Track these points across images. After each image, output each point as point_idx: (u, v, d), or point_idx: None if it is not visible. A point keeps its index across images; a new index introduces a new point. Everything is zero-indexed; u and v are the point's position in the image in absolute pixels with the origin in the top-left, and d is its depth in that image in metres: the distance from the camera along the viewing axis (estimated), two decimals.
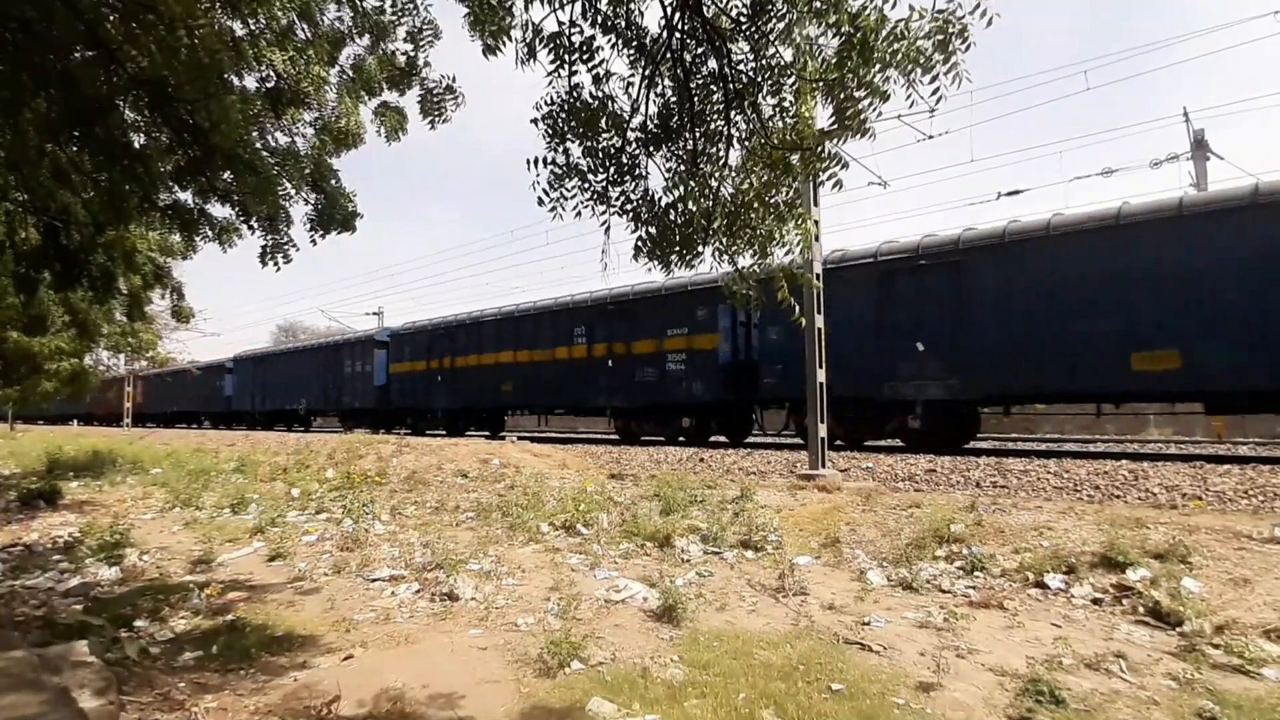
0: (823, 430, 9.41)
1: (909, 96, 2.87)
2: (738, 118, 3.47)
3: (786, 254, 3.66)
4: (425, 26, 4.64)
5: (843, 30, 2.86)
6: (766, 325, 13.82)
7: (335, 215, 5.72)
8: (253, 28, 4.77)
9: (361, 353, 25.17)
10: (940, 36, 2.70)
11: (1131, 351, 9.59)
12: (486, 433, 20.82)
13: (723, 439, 15.75)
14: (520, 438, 16.37)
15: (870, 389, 11.95)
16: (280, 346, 33.97)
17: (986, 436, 17.96)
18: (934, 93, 2.81)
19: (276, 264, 5.75)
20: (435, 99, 4.55)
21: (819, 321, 9.45)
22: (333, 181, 5.75)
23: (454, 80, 4.60)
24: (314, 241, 5.82)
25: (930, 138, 13.03)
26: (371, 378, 24.33)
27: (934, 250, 11.44)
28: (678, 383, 15.09)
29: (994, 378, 10.71)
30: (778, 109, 3.36)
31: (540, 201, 3.57)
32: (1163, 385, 9.62)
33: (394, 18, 4.85)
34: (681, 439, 15.51)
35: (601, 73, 3.44)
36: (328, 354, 27.31)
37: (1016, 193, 18.86)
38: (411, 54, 4.71)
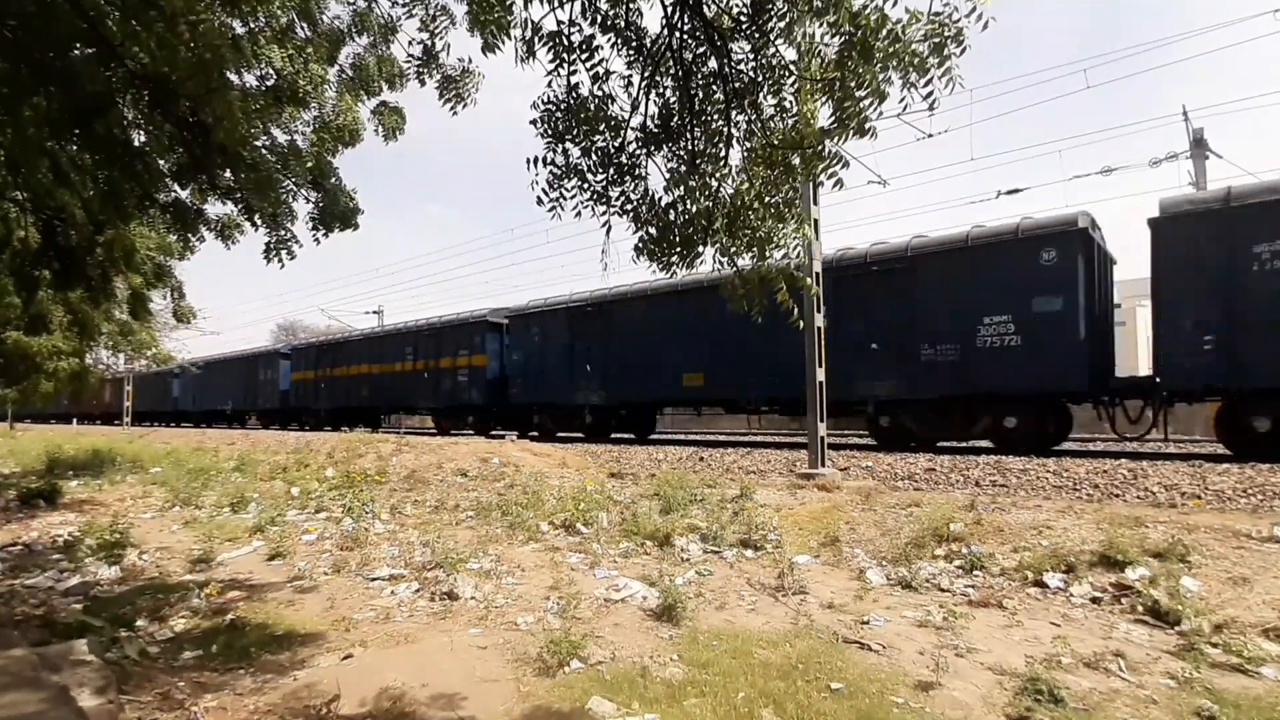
0: (822, 429, 9.42)
1: (903, 99, 2.88)
2: (738, 117, 3.47)
3: (783, 256, 3.66)
4: (439, 13, 4.63)
5: (843, 30, 2.86)
6: (514, 348, 19.53)
7: (336, 212, 5.72)
8: (252, 26, 4.76)
9: (270, 364, 29.55)
10: (936, 40, 2.71)
11: (683, 374, 15.03)
12: (369, 427, 22.95)
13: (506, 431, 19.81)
14: (385, 431, 21.63)
15: (566, 397, 17.81)
16: (213, 356, 33.72)
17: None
18: (928, 95, 2.81)
19: (281, 260, 5.75)
20: (455, 84, 4.52)
21: (819, 321, 9.46)
22: (333, 179, 5.75)
23: (470, 61, 4.57)
24: (316, 240, 5.82)
25: (930, 136, 13.04)
26: (278, 384, 28.87)
27: (593, 303, 17.56)
28: (465, 390, 20.60)
29: (621, 390, 16.64)
30: (778, 108, 3.36)
31: (539, 201, 3.57)
32: (697, 395, 15.36)
33: (405, 9, 4.83)
34: (469, 431, 20.94)
35: (601, 72, 3.43)
36: (246, 363, 31.52)
37: (1016, 191, 18.79)
38: (428, 42, 4.69)
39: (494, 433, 19.41)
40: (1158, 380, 9.93)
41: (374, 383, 24.98)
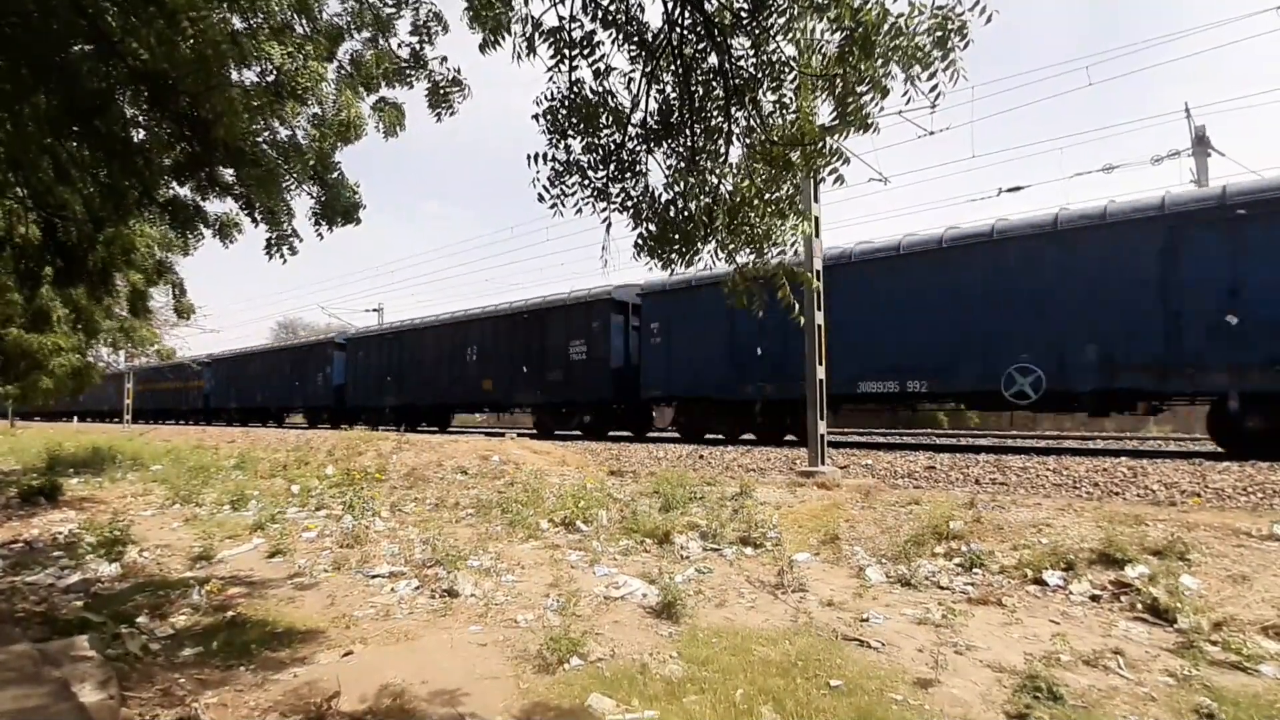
0: (822, 427, 9.42)
1: (906, 94, 2.87)
2: (738, 113, 3.47)
3: (780, 253, 3.65)
4: (430, 19, 4.63)
5: (844, 25, 2.85)
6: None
7: (338, 206, 5.71)
8: (251, 22, 4.75)
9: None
10: (940, 33, 2.70)
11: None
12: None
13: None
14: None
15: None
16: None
17: (986, 433, 18.02)
18: (932, 89, 2.81)
19: (283, 256, 5.75)
20: (442, 92, 4.53)
21: (818, 319, 9.46)
22: (334, 174, 5.75)
23: (460, 72, 4.57)
24: (319, 235, 5.82)
25: (931, 133, 12.98)
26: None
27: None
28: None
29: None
30: (778, 105, 3.35)
31: (540, 198, 3.57)
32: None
33: (395, 10, 4.83)
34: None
35: (602, 68, 3.43)
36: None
37: (1018, 189, 18.80)
38: (417, 47, 4.69)
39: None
40: None
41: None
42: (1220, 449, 9.87)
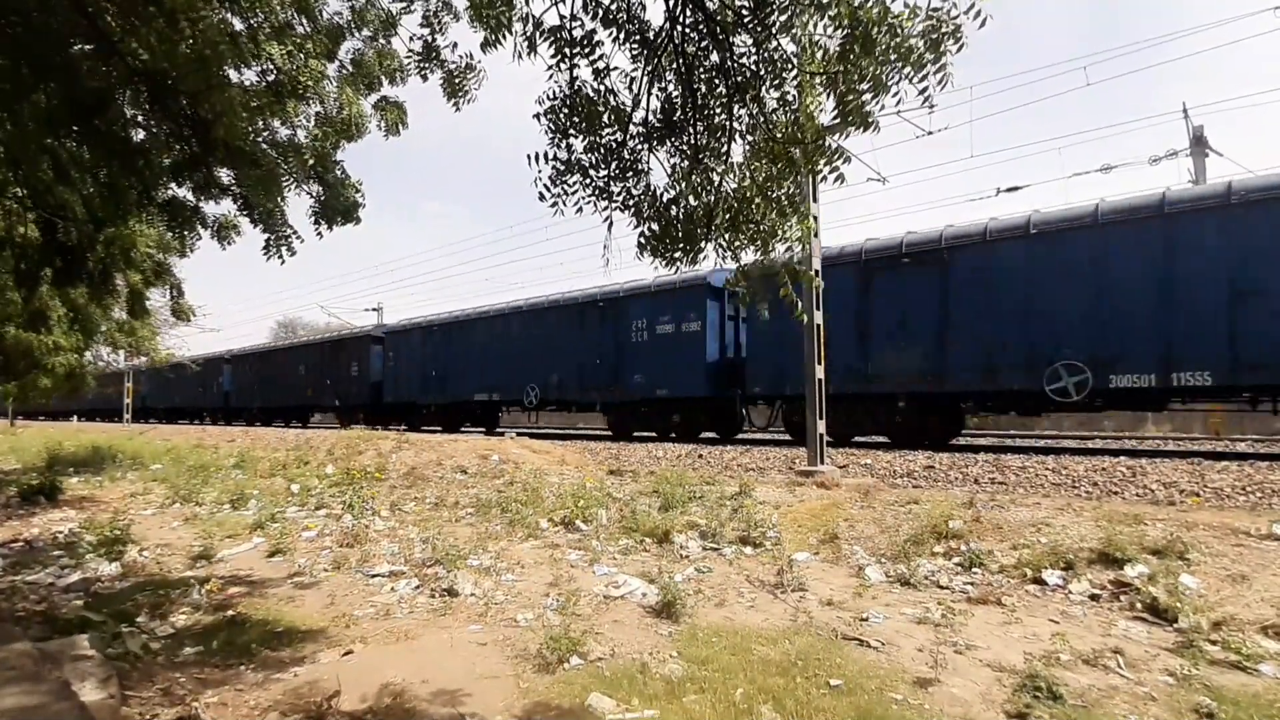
0: (821, 427, 9.43)
1: (897, 95, 2.88)
2: (740, 111, 3.47)
3: (786, 250, 3.66)
4: (440, 9, 4.62)
5: (845, 22, 2.86)
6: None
7: (338, 206, 5.71)
8: (252, 22, 4.76)
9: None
10: (934, 36, 2.71)
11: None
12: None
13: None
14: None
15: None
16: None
17: (985, 433, 18.03)
18: (922, 92, 2.81)
19: (281, 257, 5.75)
20: (457, 80, 4.52)
21: (818, 318, 9.46)
22: (337, 172, 5.75)
23: (471, 57, 4.56)
24: (319, 234, 5.81)
25: (929, 134, 12.99)
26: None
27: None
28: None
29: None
30: (780, 102, 3.35)
31: (541, 197, 3.57)
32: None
33: (405, 5, 4.82)
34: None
35: (602, 67, 3.43)
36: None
37: (1016, 189, 18.82)
38: (429, 38, 4.68)
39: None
40: None
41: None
42: None
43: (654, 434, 15.88)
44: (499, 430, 20.48)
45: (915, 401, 12.09)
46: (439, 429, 20.53)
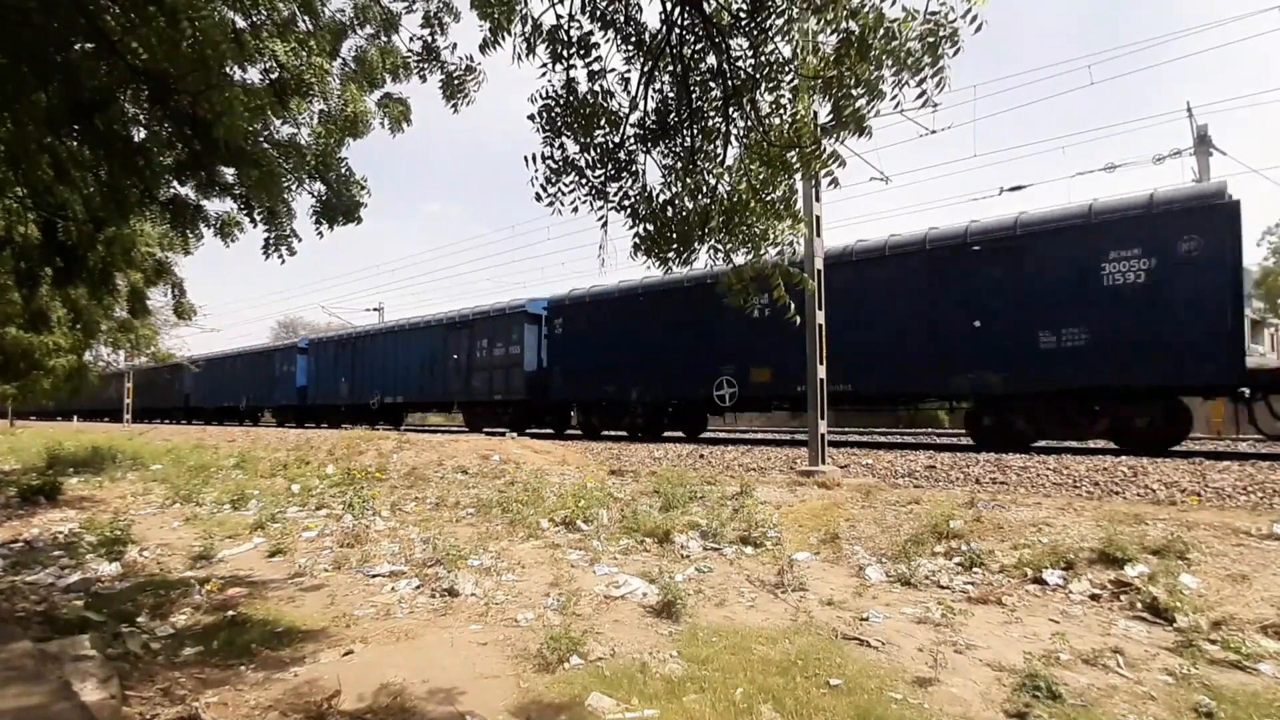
0: (822, 426, 9.43)
1: (895, 99, 2.88)
2: (736, 114, 3.47)
3: (779, 252, 3.66)
4: (441, 9, 4.62)
5: (841, 27, 2.86)
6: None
7: (339, 205, 5.71)
8: (254, 19, 4.76)
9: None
10: (931, 39, 2.71)
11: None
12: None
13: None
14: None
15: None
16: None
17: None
18: (920, 95, 2.81)
19: (281, 256, 5.75)
20: (457, 81, 4.52)
21: (819, 318, 9.46)
22: (342, 170, 5.74)
23: (472, 59, 4.56)
24: (320, 234, 5.81)
25: (932, 132, 12.98)
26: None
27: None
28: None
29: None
30: (776, 106, 3.35)
31: (538, 197, 3.58)
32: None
33: (407, 4, 4.83)
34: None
35: (597, 69, 3.43)
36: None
37: (1019, 188, 18.83)
38: (429, 39, 4.68)
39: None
40: None
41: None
42: None
43: (501, 429, 18.85)
44: (412, 426, 24.27)
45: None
46: (348, 425, 22.48)
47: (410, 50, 5.00)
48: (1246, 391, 9.90)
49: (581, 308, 17.73)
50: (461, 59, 4.57)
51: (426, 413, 25.35)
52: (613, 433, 17.33)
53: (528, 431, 17.99)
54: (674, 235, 3.61)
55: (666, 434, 16.84)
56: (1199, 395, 10.97)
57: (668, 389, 15.63)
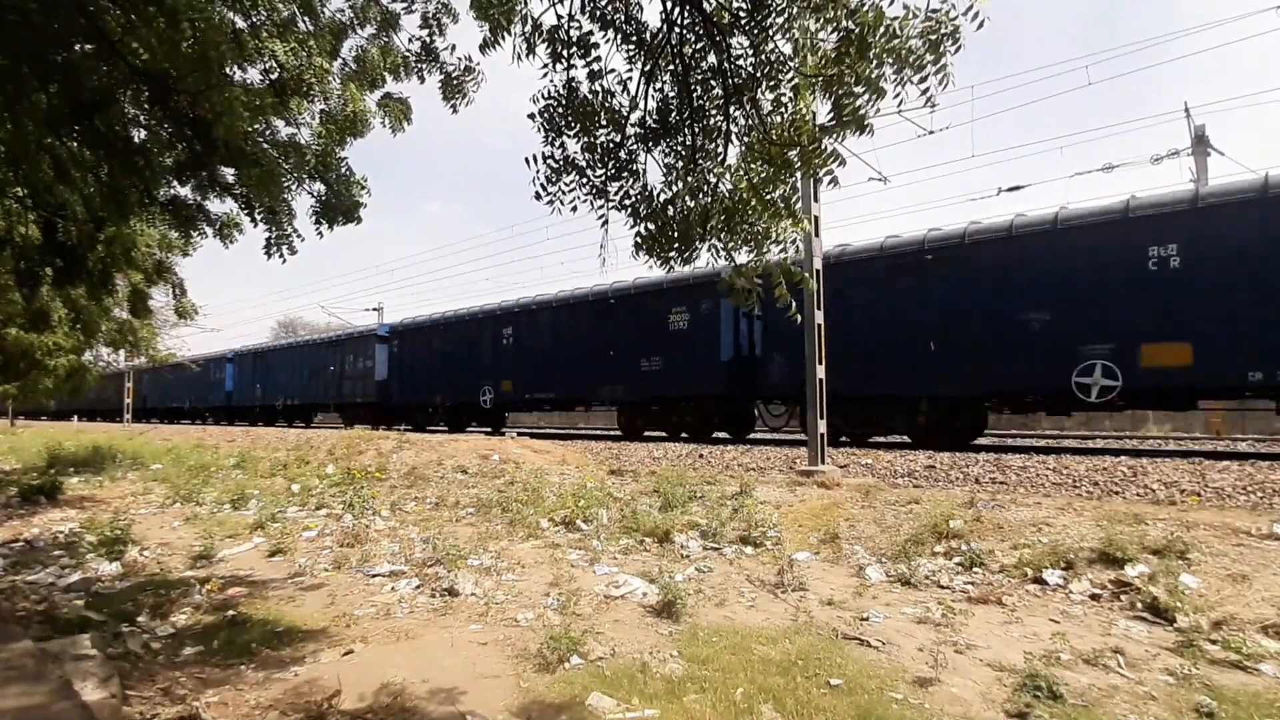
0: (822, 426, 9.43)
1: (898, 96, 2.88)
2: (737, 113, 3.47)
3: (781, 251, 3.66)
4: (440, 11, 4.63)
5: (841, 25, 2.86)
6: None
7: (339, 205, 5.71)
8: (254, 20, 4.75)
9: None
10: (933, 37, 2.71)
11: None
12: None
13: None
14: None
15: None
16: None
17: (985, 433, 18.12)
18: (924, 93, 2.81)
19: (282, 256, 5.75)
20: (456, 81, 4.52)
21: (818, 318, 9.46)
22: (342, 169, 5.74)
23: (470, 59, 4.56)
24: (320, 234, 5.82)
25: (930, 133, 12.99)
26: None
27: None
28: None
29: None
30: (776, 104, 3.35)
31: (538, 196, 3.58)
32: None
33: (406, 5, 4.83)
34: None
35: (597, 69, 3.43)
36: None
37: (1017, 188, 18.83)
38: (427, 40, 4.68)
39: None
40: None
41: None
42: None
43: (365, 424, 23.09)
44: (315, 424, 28.00)
45: None
46: (262, 423, 27.58)
47: (409, 51, 5.01)
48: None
49: (410, 333, 23.37)
50: (460, 60, 4.58)
51: (321, 413, 29.22)
52: (434, 428, 22.13)
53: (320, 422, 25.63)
54: (675, 234, 3.61)
55: (470, 427, 21.73)
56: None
57: (456, 395, 20.85)
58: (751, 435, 16.01)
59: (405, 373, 22.74)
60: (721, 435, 15.38)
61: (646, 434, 16.27)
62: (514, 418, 24.56)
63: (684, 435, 15.31)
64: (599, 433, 20.32)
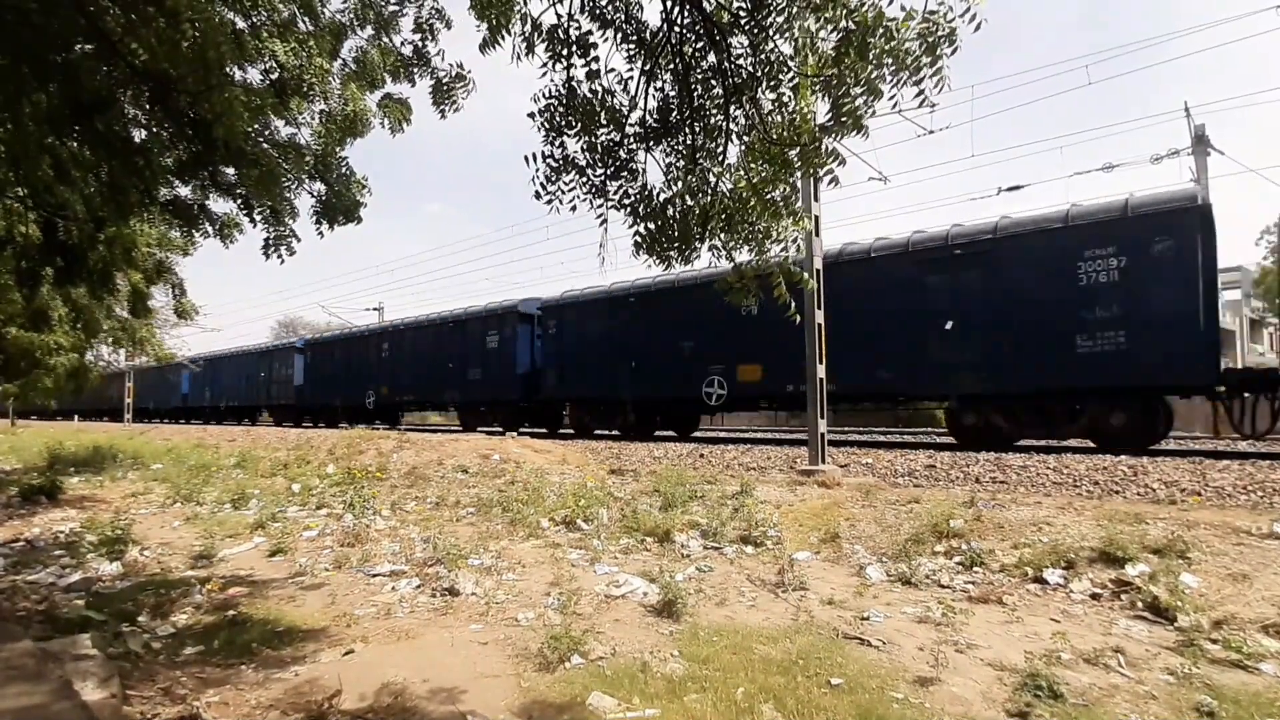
0: (823, 426, 9.43)
1: (894, 98, 2.87)
2: (737, 113, 3.47)
3: (782, 250, 3.66)
4: (433, 16, 4.63)
5: (840, 26, 2.85)
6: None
7: (340, 205, 5.72)
8: (254, 20, 4.76)
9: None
10: (930, 39, 2.70)
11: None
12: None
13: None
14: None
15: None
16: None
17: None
18: (918, 95, 2.81)
19: (281, 256, 5.75)
20: (446, 88, 4.53)
21: (819, 317, 9.46)
22: (342, 169, 5.74)
23: (462, 66, 4.56)
24: (320, 234, 5.82)
25: (930, 132, 12.99)
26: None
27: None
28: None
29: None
30: (776, 104, 3.35)
31: (538, 195, 3.58)
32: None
33: (398, 7, 4.83)
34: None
35: (595, 68, 3.43)
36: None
37: (1017, 188, 18.82)
38: (419, 44, 4.69)
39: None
40: None
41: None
42: None
43: (289, 422, 27.66)
44: (260, 421, 31.32)
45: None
46: (214, 421, 31.36)
47: (400, 55, 5.01)
48: None
49: (320, 345, 28.18)
50: (452, 65, 4.59)
51: (260, 413, 32.92)
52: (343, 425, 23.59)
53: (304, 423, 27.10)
54: (674, 234, 3.61)
55: (527, 427, 20.89)
56: None
57: (349, 398, 25.08)
58: (560, 430, 19.71)
59: (315, 379, 27.49)
60: (612, 432, 17.49)
61: (480, 428, 20.77)
62: (418, 418, 29.67)
63: (498, 429, 19.67)
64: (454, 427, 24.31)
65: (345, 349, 26.41)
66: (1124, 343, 9.95)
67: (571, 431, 18.54)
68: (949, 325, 11.47)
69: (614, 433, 17.17)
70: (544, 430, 19.48)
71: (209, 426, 28.03)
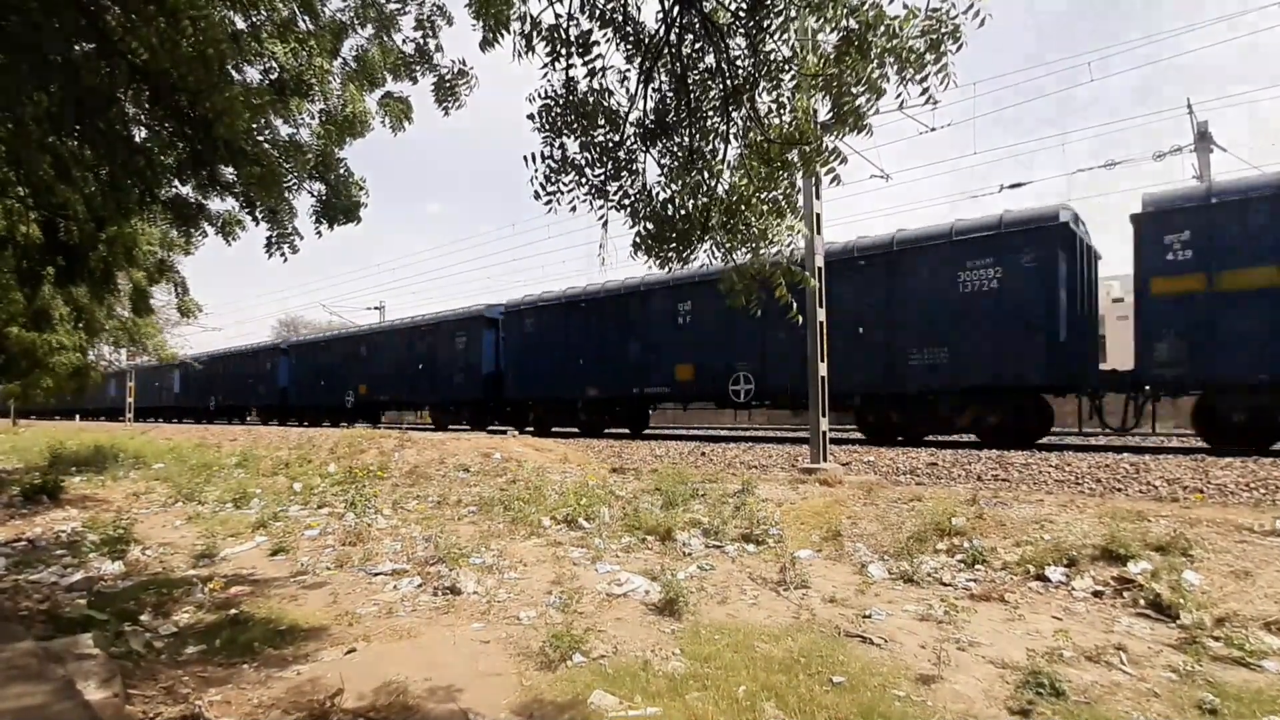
0: (824, 424, 9.42)
1: (899, 96, 2.86)
2: (735, 113, 3.46)
3: (778, 251, 3.65)
4: (434, 13, 4.63)
5: (841, 25, 2.84)
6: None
7: (340, 205, 5.72)
8: (254, 20, 4.75)
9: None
10: (933, 36, 2.69)
11: None
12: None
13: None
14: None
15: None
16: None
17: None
18: (924, 92, 2.80)
19: (283, 255, 5.75)
20: (448, 84, 4.52)
21: (820, 316, 9.44)
22: (341, 170, 5.74)
23: (464, 63, 4.55)
24: (319, 233, 5.82)
25: (932, 130, 13.00)
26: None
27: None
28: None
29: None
30: (775, 105, 3.34)
31: (537, 196, 3.57)
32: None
33: (400, 5, 4.83)
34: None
35: (596, 67, 3.42)
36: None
37: (1019, 185, 18.80)
38: (421, 41, 4.68)
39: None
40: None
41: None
42: None
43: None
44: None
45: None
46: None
47: (401, 53, 5.01)
48: None
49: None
50: (453, 62, 4.58)
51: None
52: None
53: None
54: (674, 234, 3.60)
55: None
56: None
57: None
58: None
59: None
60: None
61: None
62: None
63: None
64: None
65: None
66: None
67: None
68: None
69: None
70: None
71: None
